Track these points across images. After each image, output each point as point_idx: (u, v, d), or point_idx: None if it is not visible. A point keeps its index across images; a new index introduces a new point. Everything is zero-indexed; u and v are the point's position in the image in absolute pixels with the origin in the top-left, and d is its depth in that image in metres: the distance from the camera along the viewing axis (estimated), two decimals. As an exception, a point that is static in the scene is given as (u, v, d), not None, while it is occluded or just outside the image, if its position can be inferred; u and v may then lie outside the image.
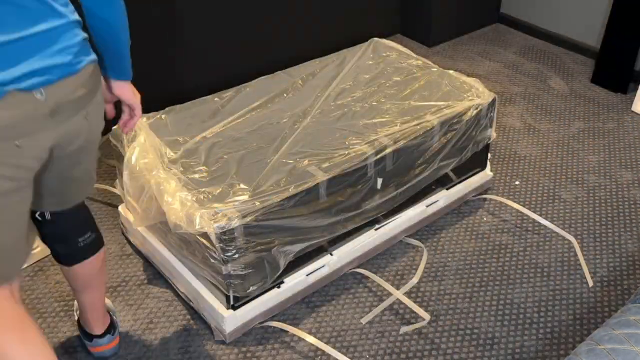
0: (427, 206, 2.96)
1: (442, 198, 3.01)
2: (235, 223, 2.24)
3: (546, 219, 3.06)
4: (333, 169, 2.49)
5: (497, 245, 2.93)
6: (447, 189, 3.03)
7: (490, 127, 3.05)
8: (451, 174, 3.01)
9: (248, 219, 2.27)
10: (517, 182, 3.29)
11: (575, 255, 2.87)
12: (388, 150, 2.61)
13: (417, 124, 2.74)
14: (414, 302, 2.65)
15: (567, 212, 3.11)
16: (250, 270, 2.40)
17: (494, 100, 2.98)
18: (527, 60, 4.43)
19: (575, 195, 3.22)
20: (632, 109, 3.89)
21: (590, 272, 2.80)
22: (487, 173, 3.19)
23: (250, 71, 3.34)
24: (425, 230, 3.00)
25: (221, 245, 2.26)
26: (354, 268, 2.79)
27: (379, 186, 2.68)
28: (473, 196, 3.18)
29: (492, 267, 2.82)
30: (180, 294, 2.64)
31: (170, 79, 3.57)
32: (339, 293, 2.70)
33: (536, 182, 3.29)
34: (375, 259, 2.85)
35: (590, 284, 2.74)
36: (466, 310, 2.63)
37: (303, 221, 2.47)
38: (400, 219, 2.87)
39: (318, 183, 2.44)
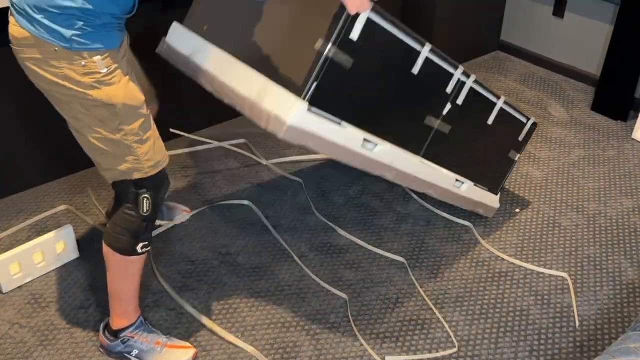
0: (455, 180, 2.98)
1: (467, 184, 3.04)
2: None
3: (546, 246, 3.07)
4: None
5: (497, 273, 2.93)
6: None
7: (520, 151, 3.24)
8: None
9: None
10: (517, 210, 3.30)
11: (576, 282, 2.87)
12: (467, 85, 2.77)
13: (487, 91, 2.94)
14: (414, 329, 2.65)
15: (567, 240, 3.12)
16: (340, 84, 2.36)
17: (534, 125, 3.18)
18: (527, 87, 4.45)
19: (576, 223, 3.22)
20: (632, 136, 3.91)
21: (590, 299, 2.80)
22: (495, 201, 3.21)
23: None
24: (425, 257, 3.01)
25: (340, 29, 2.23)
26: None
27: (446, 130, 2.79)
28: (473, 225, 3.19)
29: (492, 295, 2.83)
30: (230, 96, 2.48)
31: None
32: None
33: (536, 210, 3.30)
34: (374, 286, 2.85)
35: (577, 324, 2.72)
36: (466, 338, 2.63)
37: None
38: (439, 170, 2.89)
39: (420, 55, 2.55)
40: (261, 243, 3.08)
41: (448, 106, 2.75)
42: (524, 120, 3.17)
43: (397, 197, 3.39)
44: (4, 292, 2.81)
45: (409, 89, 2.62)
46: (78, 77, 2.12)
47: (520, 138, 3.23)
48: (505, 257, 3.01)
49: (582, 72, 4.48)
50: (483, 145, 3.08)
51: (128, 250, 2.36)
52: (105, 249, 2.39)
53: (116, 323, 2.52)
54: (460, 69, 2.70)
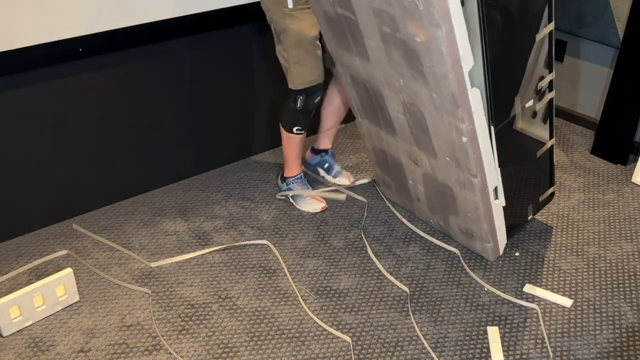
0: (496, 187, 3.06)
1: (501, 199, 3.09)
2: None
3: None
4: None
5: (497, 317, 2.93)
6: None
7: (534, 213, 3.42)
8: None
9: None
10: (517, 254, 3.30)
11: (576, 325, 2.87)
12: (547, 96, 3.02)
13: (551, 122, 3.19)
14: (414, 373, 2.65)
15: (567, 283, 3.12)
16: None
17: (551, 196, 3.47)
18: (527, 131, 4.47)
19: (575, 267, 3.22)
20: (632, 180, 3.92)
21: (590, 343, 2.79)
22: (503, 242, 3.24)
23: None
24: (425, 301, 3.01)
25: None
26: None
27: (518, 127, 2.96)
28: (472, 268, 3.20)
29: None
30: None
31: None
32: (339, 364, 2.70)
33: (536, 254, 3.30)
34: (374, 330, 2.85)
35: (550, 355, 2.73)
36: (466, 382, 2.62)
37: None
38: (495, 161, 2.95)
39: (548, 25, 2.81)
40: (261, 287, 3.09)
41: (530, 102, 2.89)
42: (551, 181, 3.38)
43: (397, 241, 3.39)
44: (3, 335, 2.81)
45: (523, 52, 2.76)
46: (272, 6, 3.26)
47: (540, 199, 3.37)
48: (505, 296, 3.01)
49: (582, 115, 4.51)
50: (522, 176, 3.16)
51: (287, 128, 3.53)
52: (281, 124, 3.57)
53: (285, 173, 3.75)
54: (553, 75, 2.86)
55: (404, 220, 3.55)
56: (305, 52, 3.29)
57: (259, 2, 3.35)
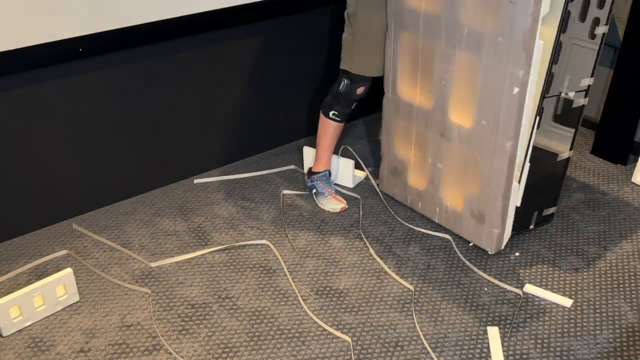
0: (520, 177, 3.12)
1: (521, 188, 3.16)
2: None
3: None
4: None
5: (497, 317, 2.93)
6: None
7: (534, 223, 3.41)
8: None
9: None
10: (517, 254, 3.30)
11: (576, 325, 2.87)
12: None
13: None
14: (414, 373, 2.65)
15: (567, 283, 3.12)
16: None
17: (551, 215, 3.53)
18: (527, 131, 4.47)
19: (575, 267, 3.22)
20: (632, 180, 3.92)
21: (590, 343, 2.79)
22: (507, 236, 3.25)
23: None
24: (425, 301, 3.01)
25: None
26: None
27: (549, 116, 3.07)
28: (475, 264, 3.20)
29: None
30: None
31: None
32: (339, 364, 2.70)
33: (536, 253, 3.30)
34: (374, 330, 2.85)
35: None
36: (466, 382, 2.62)
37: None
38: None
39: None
40: (261, 287, 3.09)
41: (572, 94, 3.07)
42: (555, 199, 3.46)
43: (397, 241, 3.39)
44: (3, 335, 2.81)
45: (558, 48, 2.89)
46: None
47: (544, 213, 3.42)
48: (509, 290, 3.01)
49: (582, 116, 4.51)
50: (537, 178, 3.19)
51: (324, 111, 3.60)
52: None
53: (314, 167, 3.77)
54: (592, 80, 3.11)
55: (401, 220, 3.56)
56: (371, 40, 3.38)
57: (259, 2, 3.35)
